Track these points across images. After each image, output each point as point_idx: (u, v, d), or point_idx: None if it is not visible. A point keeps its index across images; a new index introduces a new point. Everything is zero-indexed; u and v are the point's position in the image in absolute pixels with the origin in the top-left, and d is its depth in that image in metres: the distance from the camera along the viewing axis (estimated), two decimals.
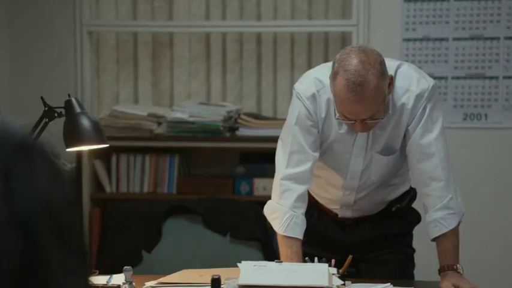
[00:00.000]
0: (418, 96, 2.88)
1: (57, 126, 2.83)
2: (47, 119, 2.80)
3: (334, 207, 3.16)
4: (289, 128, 2.98)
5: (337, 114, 2.81)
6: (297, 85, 2.98)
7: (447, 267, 2.88)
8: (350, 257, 2.86)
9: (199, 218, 4.27)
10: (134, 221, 4.35)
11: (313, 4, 4.94)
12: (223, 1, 5.01)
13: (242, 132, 4.78)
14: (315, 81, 2.93)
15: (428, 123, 2.91)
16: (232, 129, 4.83)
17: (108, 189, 4.90)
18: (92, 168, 4.89)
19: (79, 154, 4.61)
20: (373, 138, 2.94)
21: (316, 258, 2.89)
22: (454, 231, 2.92)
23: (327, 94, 2.89)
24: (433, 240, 2.93)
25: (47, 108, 2.80)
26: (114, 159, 4.89)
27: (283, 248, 2.96)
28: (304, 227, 2.98)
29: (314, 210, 3.16)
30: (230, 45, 5.02)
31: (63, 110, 2.79)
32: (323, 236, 3.17)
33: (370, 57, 2.69)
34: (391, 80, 2.78)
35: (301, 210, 2.96)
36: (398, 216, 3.18)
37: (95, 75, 5.10)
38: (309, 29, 4.90)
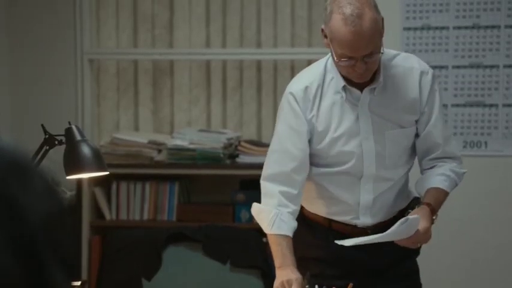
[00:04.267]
0: (423, 73, 2.91)
1: (57, 153, 2.83)
2: (48, 147, 2.80)
3: (352, 217, 3.01)
4: (275, 129, 2.98)
5: (337, 58, 2.75)
6: (288, 86, 2.97)
7: (427, 205, 2.86)
8: (350, 285, 2.84)
9: (199, 245, 4.27)
10: (134, 249, 4.35)
11: (313, 32, 4.96)
12: (224, 29, 5.03)
13: (242, 159, 4.78)
14: (306, 76, 2.93)
15: (440, 114, 2.95)
16: (233, 156, 4.83)
17: (108, 216, 4.90)
18: (92, 195, 4.88)
19: (79, 182, 4.61)
20: (376, 116, 2.89)
21: (316, 286, 2.87)
22: (447, 194, 2.95)
23: (318, 82, 2.89)
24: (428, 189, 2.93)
25: (47, 136, 2.81)
26: (114, 186, 4.89)
27: (273, 246, 2.89)
28: (292, 224, 2.89)
29: (329, 233, 3.03)
30: (230, 73, 5.04)
31: (63, 138, 2.79)
32: (340, 259, 3.03)
33: None
34: (383, 22, 2.77)
35: (287, 209, 2.89)
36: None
37: (96, 102, 5.11)
38: (308, 57, 4.91)
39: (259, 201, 4.96)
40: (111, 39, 5.11)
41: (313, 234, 3.07)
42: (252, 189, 4.84)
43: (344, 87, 2.87)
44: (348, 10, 2.67)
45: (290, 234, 2.89)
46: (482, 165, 4.59)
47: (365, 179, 2.95)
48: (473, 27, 4.57)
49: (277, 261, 2.87)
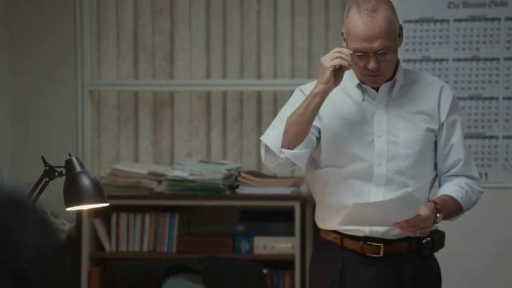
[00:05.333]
0: (444, 87, 3.02)
1: (57, 185, 2.83)
2: (48, 179, 2.80)
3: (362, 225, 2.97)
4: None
5: (351, 51, 2.83)
6: None
7: (433, 202, 2.88)
8: None
9: (199, 277, 4.25)
10: (134, 280, 4.33)
11: (313, 63, 4.98)
12: (224, 60, 5.05)
13: (242, 190, 4.78)
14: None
15: (463, 132, 3.05)
16: (233, 187, 4.83)
17: (107, 248, 4.88)
18: (91, 227, 4.87)
19: (79, 213, 4.60)
20: (391, 116, 2.94)
21: None
22: (461, 208, 2.98)
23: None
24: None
25: (47, 168, 2.81)
26: (114, 217, 4.88)
27: (296, 113, 2.91)
28: None
29: (340, 254, 2.98)
30: (230, 104, 5.05)
31: (63, 169, 2.79)
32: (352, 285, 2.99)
33: None
34: (401, 31, 2.90)
35: None
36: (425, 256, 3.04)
37: (96, 134, 5.12)
38: None
39: (259, 232, 4.94)
40: (112, 70, 5.12)
41: (325, 258, 3.03)
42: (252, 220, 4.84)
43: (360, 86, 2.93)
44: (363, 5, 2.83)
45: None
46: (483, 197, 4.55)
47: (376, 181, 2.93)
48: (472, 59, 4.59)
49: (307, 100, 2.87)
